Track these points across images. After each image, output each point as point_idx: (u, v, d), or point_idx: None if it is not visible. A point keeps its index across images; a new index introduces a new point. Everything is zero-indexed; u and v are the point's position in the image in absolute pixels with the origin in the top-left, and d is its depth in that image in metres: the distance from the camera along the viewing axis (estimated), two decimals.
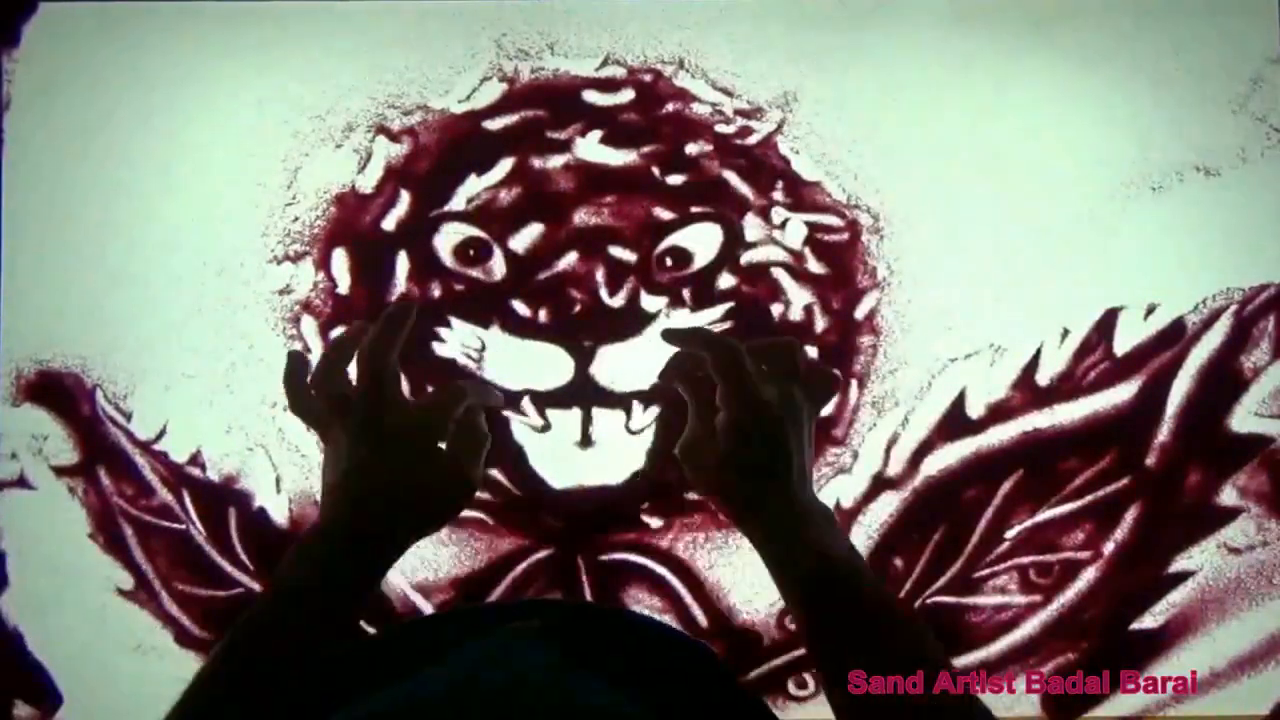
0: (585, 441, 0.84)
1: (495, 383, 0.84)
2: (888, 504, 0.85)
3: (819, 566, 0.62)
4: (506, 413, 0.84)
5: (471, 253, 0.85)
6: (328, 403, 0.67)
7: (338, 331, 0.86)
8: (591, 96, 0.87)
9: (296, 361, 0.69)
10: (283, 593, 0.63)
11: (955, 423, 0.85)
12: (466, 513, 0.84)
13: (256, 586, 0.85)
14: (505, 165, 0.86)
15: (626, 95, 0.87)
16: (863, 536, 0.84)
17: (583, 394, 0.83)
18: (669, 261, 0.85)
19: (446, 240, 0.85)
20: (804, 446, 0.66)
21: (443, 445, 0.69)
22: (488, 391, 0.76)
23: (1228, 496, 0.85)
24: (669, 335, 0.70)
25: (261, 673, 0.56)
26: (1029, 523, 0.84)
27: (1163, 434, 0.85)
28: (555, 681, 0.34)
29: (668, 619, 0.84)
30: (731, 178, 0.86)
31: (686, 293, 0.84)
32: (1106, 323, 0.85)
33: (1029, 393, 0.85)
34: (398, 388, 0.68)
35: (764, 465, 0.65)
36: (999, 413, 0.85)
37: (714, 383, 0.67)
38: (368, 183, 0.87)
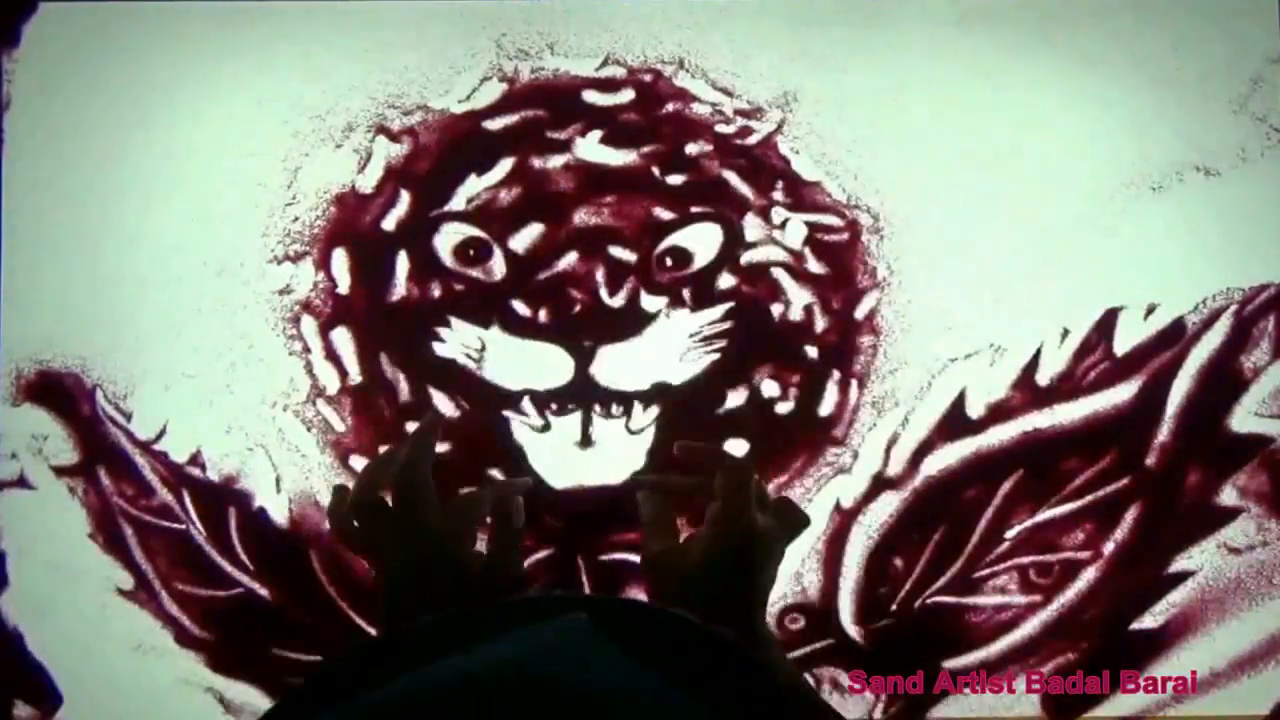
0: (585, 441, 0.84)
1: (495, 383, 0.84)
2: (888, 504, 0.85)
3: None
4: (506, 413, 0.84)
5: (471, 253, 0.85)
6: (367, 520, 0.65)
7: (337, 331, 0.86)
8: (591, 96, 0.87)
9: (340, 493, 0.68)
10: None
11: (955, 423, 0.85)
12: None
13: (257, 586, 0.85)
14: (505, 165, 0.86)
15: (626, 95, 0.87)
16: (863, 536, 0.84)
17: (583, 394, 0.83)
18: (669, 261, 0.85)
19: (446, 240, 0.85)
20: (774, 578, 0.66)
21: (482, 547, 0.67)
22: (517, 484, 0.74)
23: (1228, 496, 0.85)
24: (682, 449, 0.70)
25: None
26: (1029, 523, 0.84)
27: (1163, 434, 0.85)
28: (619, 673, 0.33)
29: None
30: (731, 178, 0.86)
31: (686, 293, 0.84)
32: (1106, 323, 0.85)
33: (1029, 393, 0.85)
34: (431, 498, 0.66)
35: (740, 592, 0.64)
36: (999, 413, 0.85)
37: (683, 495, 0.68)
38: (368, 183, 0.87)
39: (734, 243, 0.85)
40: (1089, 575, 0.84)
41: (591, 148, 0.86)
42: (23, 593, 0.85)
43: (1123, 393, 0.85)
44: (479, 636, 0.35)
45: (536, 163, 0.86)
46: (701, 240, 0.85)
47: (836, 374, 0.85)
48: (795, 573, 0.84)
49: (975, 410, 0.85)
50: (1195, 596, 0.84)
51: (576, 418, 0.84)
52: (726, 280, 0.85)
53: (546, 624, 0.35)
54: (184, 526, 0.85)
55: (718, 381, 0.85)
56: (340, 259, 0.86)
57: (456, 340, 0.84)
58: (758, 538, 0.64)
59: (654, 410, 0.84)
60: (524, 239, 0.85)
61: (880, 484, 0.85)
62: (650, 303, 0.84)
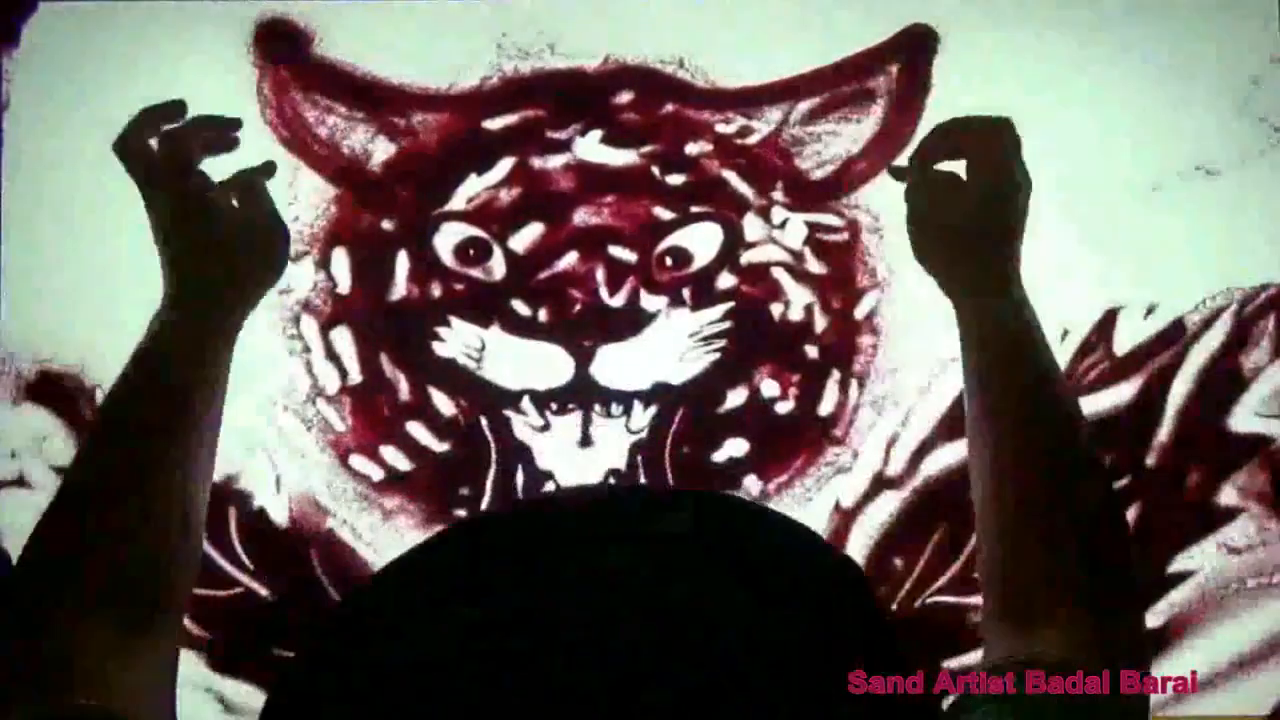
0: (585, 441, 0.84)
1: (495, 383, 0.84)
2: (888, 504, 0.85)
3: (1021, 324, 0.63)
4: (507, 412, 0.84)
5: (471, 253, 0.85)
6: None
7: (337, 331, 0.86)
8: (592, 96, 0.87)
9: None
10: (134, 361, 0.64)
11: (955, 423, 0.85)
12: (461, 510, 0.84)
13: (256, 586, 0.85)
14: (505, 165, 0.86)
15: (626, 95, 0.87)
16: (862, 536, 0.84)
17: (583, 394, 0.83)
18: (669, 261, 0.85)
19: (446, 240, 0.85)
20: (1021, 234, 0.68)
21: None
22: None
23: (1228, 496, 0.85)
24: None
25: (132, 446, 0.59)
26: None
27: (1163, 434, 0.85)
28: (728, 604, 0.32)
29: None
30: (731, 178, 0.86)
31: (686, 293, 0.84)
32: (1106, 323, 0.85)
33: None
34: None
35: (1005, 231, 0.65)
36: None
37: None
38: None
39: (734, 243, 0.85)
40: None
41: (591, 148, 0.86)
42: None
43: (1123, 392, 0.85)
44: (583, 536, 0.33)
45: (536, 163, 0.86)
46: (701, 240, 0.85)
47: (836, 374, 0.85)
48: None
49: None
50: (1195, 596, 0.84)
51: (576, 417, 0.84)
52: (726, 280, 0.85)
53: (636, 542, 0.33)
54: None
55: (718, 381, 0.85)
56: (340, 259, 0.86)
57: (456, 340, 0.84)
58: (1021, 185, 0.65)
59: (654, 410, 0.84)
60: (524, 239, 0.85)
61: (880, 484, 0.85)
62: (650, 303, 0.84)
